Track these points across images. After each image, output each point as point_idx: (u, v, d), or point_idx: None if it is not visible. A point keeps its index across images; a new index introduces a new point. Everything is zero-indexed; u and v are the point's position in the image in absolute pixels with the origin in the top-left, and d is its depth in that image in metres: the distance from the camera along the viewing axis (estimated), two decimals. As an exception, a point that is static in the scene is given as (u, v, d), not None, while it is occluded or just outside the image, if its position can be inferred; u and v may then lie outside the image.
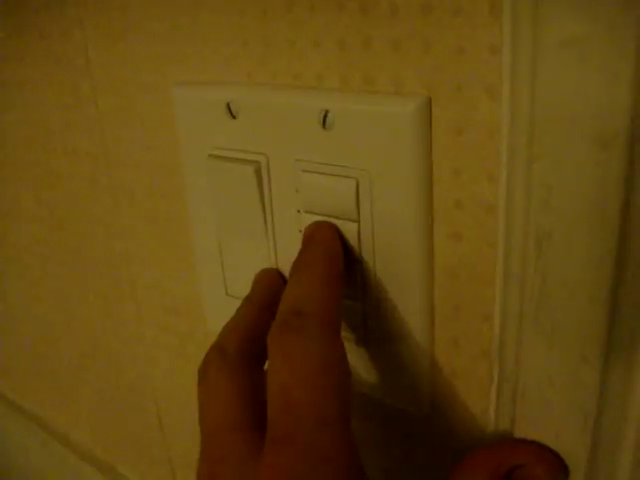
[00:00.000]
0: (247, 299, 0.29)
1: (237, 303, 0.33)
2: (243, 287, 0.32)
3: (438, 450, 0.30)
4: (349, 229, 0.27)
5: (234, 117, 0.29)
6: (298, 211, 0.28)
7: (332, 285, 0.25)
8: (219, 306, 0.35)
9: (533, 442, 0.25)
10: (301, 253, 0.26)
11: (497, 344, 0.25)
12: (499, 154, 0.22)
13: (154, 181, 0.37)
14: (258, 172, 0.29)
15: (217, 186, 0.31)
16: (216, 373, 0.25)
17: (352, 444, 0.21)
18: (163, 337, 0.44)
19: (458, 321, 0.26)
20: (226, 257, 0.33)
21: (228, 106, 0.29)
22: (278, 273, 0.31)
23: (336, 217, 0.27)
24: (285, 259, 0.30)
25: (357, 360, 0.30)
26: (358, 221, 0.26)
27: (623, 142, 0.18)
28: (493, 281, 0.24)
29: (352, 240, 0.27)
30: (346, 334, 0.29)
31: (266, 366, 0.23)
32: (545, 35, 0.18)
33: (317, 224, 0.27)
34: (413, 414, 0.29)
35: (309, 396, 0.21)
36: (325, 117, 0.25)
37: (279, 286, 0.30)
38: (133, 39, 0.34)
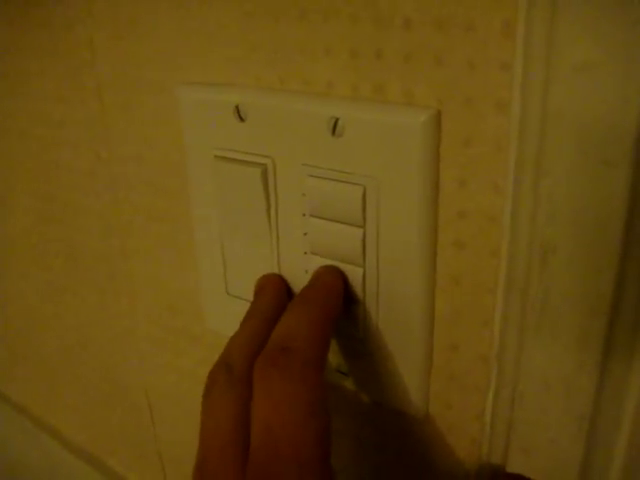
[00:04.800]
0: (253, 312, 0.29)
1: (237, 302, 0.34)
2: (244, 287, 0.33)
3: (434, 452, 0.31)
4: (354, 234, 0.27)
5: (242, 120, 0.29)
6: (303, 215, 0.29)
7: (324, 326, 0.26)
8: (219, 304, 0.35)
9: (522, 478, 0.26)
10: (304, 289, 0.28)
11: (496, 349, 0.26)
12: (506, 167, 0.23)
13: (156, 178, 0.37)
14: (264, 174, 0.29)
15: (222, 187, 0.31)
16: (222, 390, 0.25)
17: None
18: (157, 332, 0.44)
19: (458, 326, 0.27)
20: (228, 256, 0.33)
21: (237, 108, 0.29)
22: (282, 281, 0.31)
23: (342, 222, 0.27)
24: (288, 261, 0.31)
25: (357, 362, 0.30)
26: (363, 227, 0.27)
27: (629, 162, 0.19)
28: (494, 289, 0.25)
29: (356, 245, 0.27)
30: (348, 335, 0.30)
31: None
32: (559, 58, 0.19)
33: (325, 267, 0.29)
34: (410, 416, 0.30)
35: (289, 435, 0.22)
36: (335, 124, 0.26)
37: (284, 297, 0.30)
38: (140, 36, 0.34)
